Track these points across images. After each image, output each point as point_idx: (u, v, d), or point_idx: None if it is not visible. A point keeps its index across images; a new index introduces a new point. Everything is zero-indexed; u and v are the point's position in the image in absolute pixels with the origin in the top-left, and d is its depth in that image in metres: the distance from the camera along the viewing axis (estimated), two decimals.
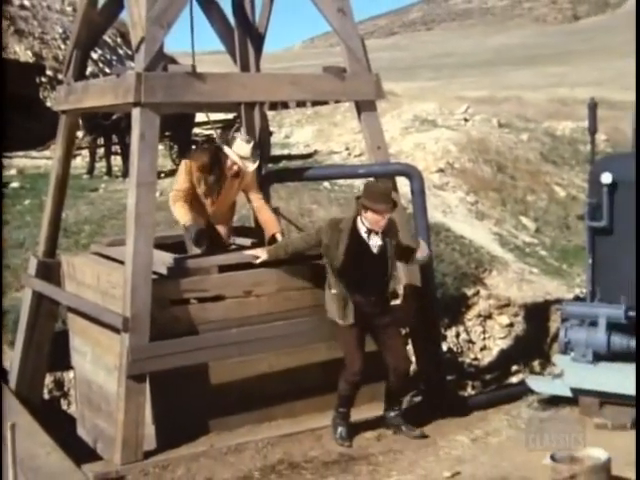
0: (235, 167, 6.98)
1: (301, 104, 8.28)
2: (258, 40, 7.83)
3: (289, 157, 16.51)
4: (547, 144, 17.61)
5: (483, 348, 10.26)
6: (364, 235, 6.39)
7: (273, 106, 8.49)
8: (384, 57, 53.51)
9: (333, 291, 6.45)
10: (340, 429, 6.51)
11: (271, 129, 16.44)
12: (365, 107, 7.25)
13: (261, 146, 7.91)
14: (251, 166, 7.01)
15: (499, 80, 34.71)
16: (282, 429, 6.64)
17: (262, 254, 6.71)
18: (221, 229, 7.32)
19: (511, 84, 32.12)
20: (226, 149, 6.98)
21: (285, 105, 8.37)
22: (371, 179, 7.34)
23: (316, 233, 6.65)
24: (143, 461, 6.18)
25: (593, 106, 7.39)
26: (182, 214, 6.89)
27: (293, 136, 19.17)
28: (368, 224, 6.36)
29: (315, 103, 8.66)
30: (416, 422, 6.73)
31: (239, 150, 6.94)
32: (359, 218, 6.40)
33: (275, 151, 16.33)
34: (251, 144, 7.02)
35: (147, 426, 6.29)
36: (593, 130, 7.47)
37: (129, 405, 6.15)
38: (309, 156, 16.69)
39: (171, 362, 6.22)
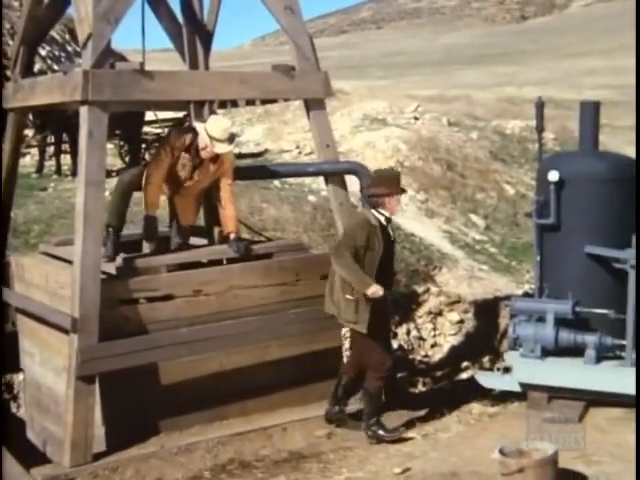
0: (208, 148, 6.66)
1: (250, 102, 8.26)
2: (207, 38, 7.78)
3: (239, 156, 16.42)
4: (496, 142, 17.77)
5: (434, 345, 10.33)
6: (387, 226, 6.50)
7: (222, 104, 8.45)
8: (334, 55, 53.61)
9: (348, 297, 6.34)
10: (382, 432, 6.49)
11: None
12: (314, 105, 7.26)
13: None
14: (220, 148, 6.64)
15: (449, 79, 34.95)
16: (233, 428, 6.63)
17: (379, 288, 6.24)
18: (188, 215, 7.15)
19: (460, 83, 32.37)
20: (198, 128, 6.69)
21: (234, 103, 8.34)
22: (380, 168, 7.42)
23: (348, 239, 6.39)
24: (92, 463, 6.12)
25: (540, 105, 7.50)
26: (148, 201, 6.73)
27: (244, 135, 19.06)
28: (388, 212, 6.44)
29: (264, 101, 8.65)
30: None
31: (211, 130, 6.61)
32: (375, 211, 6.43)
33: None
34: (225, 125, 6.69)
35: (97, 428, 6.24)
36: (540, 129, 7.58)
37: (78, 406, 6.08)
38: (259, 155, 16.64)
39: (121, 362, 6.17)
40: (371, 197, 6.47)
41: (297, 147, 16.82)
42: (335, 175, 7.36)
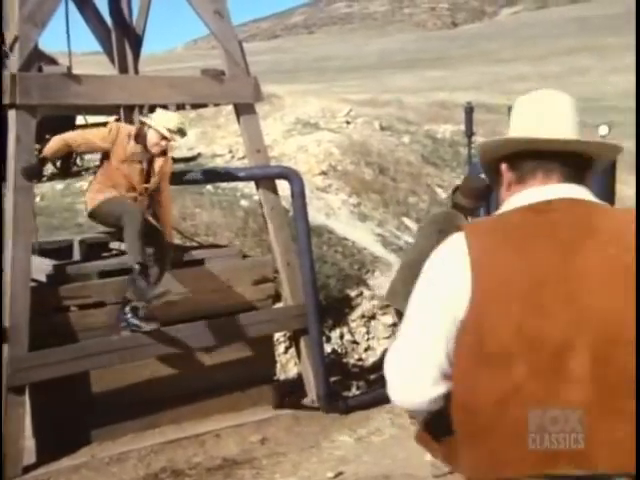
0: (163, 142, 6.19)
1: (180, 107, 8.21)
2: (136, 41, 7.72)
3: (172, 160, 16.28)
4: (428, 146, 17.94)
5: (367, 348, 10.36)
6: None
7: (152, 109, 8.37)
8: (267, 60, 53.59)
9: None
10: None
11: None
12: (244, 110, 7.24)
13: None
14: (177, 138, 6.31)
15: (381, 83, 35.22)
16: (166, 436, 6.57)
17: None
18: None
19: (392, 87, 32.62)
20: (150, 121, 6.21)
21: (164, 108, 8.27)
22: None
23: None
24: (23, 476, 5.99)
25: (469, 110, 7.62)
26: (51, 145, 6.19)
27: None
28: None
29: (194, 106, 8.60)
30: (301, 423, 6.77)
31: (166, 122, 6.16)
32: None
33: None
34: (177, 116, 6.35)
35: (27, 439, 6.12)
36: (470, 133, 7.70)
37: (9, 418, 5.95)
38: (192, 159, 16.53)
39: (52, 372, 6.06)
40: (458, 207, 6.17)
41: (230, 151, 16.74)
42: (266, 180, 7.35)
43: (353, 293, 10.70)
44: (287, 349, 8.82)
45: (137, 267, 5.91)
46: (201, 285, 6.82)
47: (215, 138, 18.47)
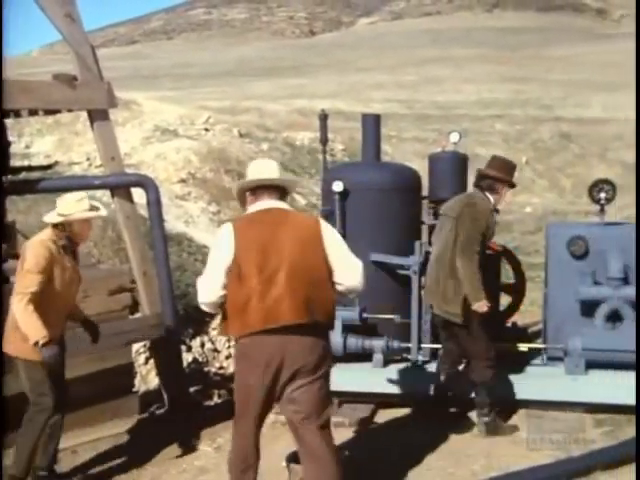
0: (87, 226, 5.63)
1: (34, 112, 7.94)
2: None
3: (29, 168, 15.78)
4: (287, 154, 18.09)
5: (229, 356, 10.30)
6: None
7: (5, 114, 8.07)
8: (126, 65, 52.68)
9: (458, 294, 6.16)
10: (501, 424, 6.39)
11: (10, 138, 15.61)
12: (98, 116, 7.07)
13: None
14: (102, 210, 5.68)
15: (240, 91, 35.23)
16: None
17: (485, 304, 6.09)
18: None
19: (252, 95, 32.70)
20: (72, 217, 5.49)
21: (17, 114, 7.99)
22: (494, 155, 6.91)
23: (478, 232, 6.11)
24: None
25: (324, 117, 7.71)
26: (37, 327, 5.28)
27: (34, 146, 18.35)
28: (494, 200, 6.28)
29: (47, 112, 8.33)
30: (161, 435, 6.67)
31: (82, 205, 5.53)
32: (489, 194, 6.28)
33: (15, 162, 15.52)
34: (77, 196, 5.60)
35: None
36: (324, 140, 7.79)
37: None
38: (49, 167, 16.07)
39: None
40: (488, 179, 6.24)
41: (87, 159, 16.39)
42: (121, 188, 7.21)
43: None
44: (147, 360, 8.67)
45: None
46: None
47: (73, 145, 18.04)
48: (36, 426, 5.46)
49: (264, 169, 4.80)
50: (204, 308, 4.75)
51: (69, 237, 5.55)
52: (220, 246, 4.60)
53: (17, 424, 5.56)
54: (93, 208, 5.59)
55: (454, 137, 7.51)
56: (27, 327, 5.26)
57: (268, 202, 4.70)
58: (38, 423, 5.46)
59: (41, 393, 5.45)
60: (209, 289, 4.59)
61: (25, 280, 5.31)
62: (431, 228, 7.48)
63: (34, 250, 5.38)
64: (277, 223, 4.59)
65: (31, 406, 5.49)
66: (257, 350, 4.50)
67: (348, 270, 4.67)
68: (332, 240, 4.68)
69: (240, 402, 4.70)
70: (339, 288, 4.68)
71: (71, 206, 5.50)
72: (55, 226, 5.52)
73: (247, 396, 4.63)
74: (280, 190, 4.76)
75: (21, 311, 5.26)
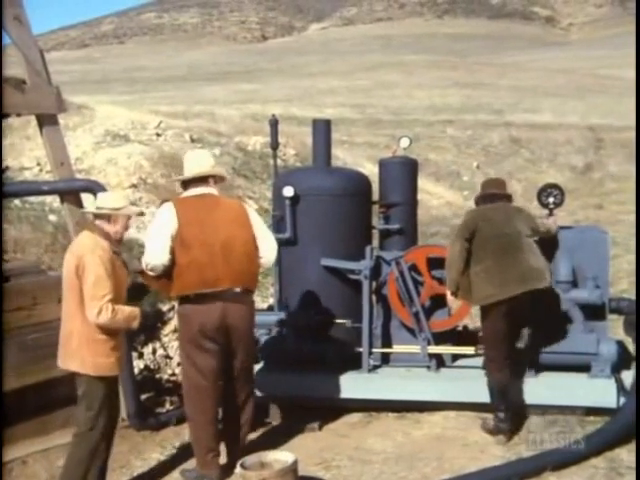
0: (128, 223, 5.48)
1: None
2: None
3: None
4: (239, 159, 18.02)
5: (180, 363, 10.27)
6: None
7: None
8: (77, 69, 52.21)
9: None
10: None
11: None
12: (47, 121, 6.99)
13: None
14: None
15: (192, 95, 35.12)
16: None
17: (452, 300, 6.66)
18: None
19: (204, 99, 32.62)
20: (115, 214, 5.35)
21: None
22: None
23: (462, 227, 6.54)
24: None
25: (274, 123, 7.72)
26: (128, 314, 5.27)
27: None
28: None
29: None
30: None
31: (119, 202, 5.47)
32: None
33: None
34: (123, 192, 5.87)
35: None
36: (275, 145, 7.80)
37: None
38: (1, 173, 15.84)
39: None
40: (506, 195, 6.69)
41: (38, 164, 16.17)
42: (71, 194, 7.14)
43: (165, 307, 10.57)
44: None
45: None
46: (6, 303, 6.50)
47: (24, 150, 17.79)
48: (89, 446, 5.32)
49: (200, 160, 5.79)
50: (149, 270, 5.44)
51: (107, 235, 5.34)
52: (164, 217, 5.47)
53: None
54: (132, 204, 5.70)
55: (404, 142, 7.58)
56: (122, 324, 5.23)
57: (202, 189, 5.68)
58: (90, 443, 5.32)
59: (96, 412, 5.30)
60: (158, 251, 5.38)
61: (97, 289, 5.09)
62: (382, 233, 7.53)
63: (95, 257, 5.15)
64: (211, 205, 5.60)
65: (83, 425, 5.34)
66: (196, 313, 5.43)
67: (269, 246, 5.74)
68: (255, 220, 5.73)
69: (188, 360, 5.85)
70: (261, 261, 5.71)
71: (121, 201, 5.48)
72: (95, 219, 5.43)
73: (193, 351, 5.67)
74: (211, 178, 5.75)
75: (109, 321, 5.10)
